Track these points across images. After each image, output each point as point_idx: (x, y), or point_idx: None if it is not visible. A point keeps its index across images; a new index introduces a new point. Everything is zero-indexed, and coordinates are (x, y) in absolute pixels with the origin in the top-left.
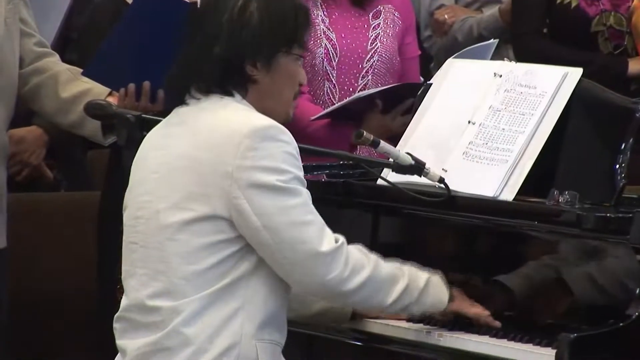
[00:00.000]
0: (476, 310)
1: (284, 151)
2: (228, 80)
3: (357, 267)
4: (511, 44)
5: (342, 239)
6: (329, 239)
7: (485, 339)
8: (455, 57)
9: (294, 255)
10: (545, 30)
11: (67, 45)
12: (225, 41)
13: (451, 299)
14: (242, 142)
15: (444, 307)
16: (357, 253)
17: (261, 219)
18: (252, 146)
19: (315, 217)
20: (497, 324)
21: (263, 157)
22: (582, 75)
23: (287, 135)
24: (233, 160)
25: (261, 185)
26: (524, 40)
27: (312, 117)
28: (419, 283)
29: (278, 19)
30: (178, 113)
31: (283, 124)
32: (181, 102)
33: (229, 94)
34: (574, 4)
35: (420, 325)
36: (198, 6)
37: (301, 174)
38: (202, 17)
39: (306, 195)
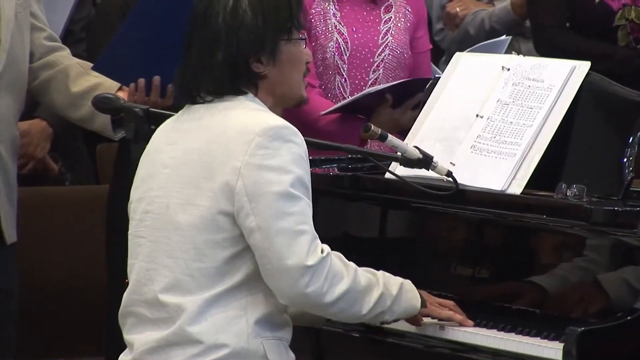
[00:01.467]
0: (447, 313)
1: (293, 152)
2: (237, 81)
3: (336, 280)
4: (532, 37)
5: (327, 249)
6: (316, 252)
7: (493, 332)
8: (468, 52)
9: (279, 263)
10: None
11: (68, 37)
12: (225, 45)
13: (423, 304)
14: (254, 140)
15: (417, 313)
16: (338, 264)
17: (257, 219)
18: (263, 144)
19: (309, 227)
20: (470, 323)
21: (272, 156)
22: (605, 68)
23: (299, 137)
24: (243, 157)
25: (266, 186)
26: (548, 33)
27: (322, 112)
28: (392, 291)
29: (271, 10)
30: (192, 109)
31: (299, 105)
32: (193, 103)
33: (241, 93)
34: None
35: (428, 317)
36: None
37: (308, 177)
38: (197, 23)
39: (306, 203)
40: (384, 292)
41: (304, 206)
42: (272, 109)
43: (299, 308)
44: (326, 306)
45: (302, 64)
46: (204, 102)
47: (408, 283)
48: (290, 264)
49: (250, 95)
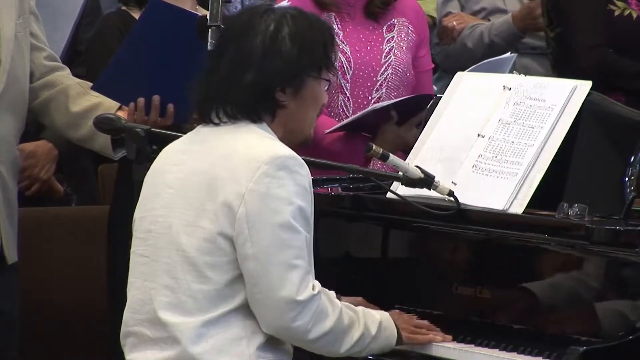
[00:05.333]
0: (424, 337)
1: (298, 184)
2: (257, 105)
3: (321, 318)
4: (574, 57)
5: (318, 287)
6: (307, 288)
7: (495, 352)
8: (472, 70)
9: (270, 293)
10: None
11: (74, 58)
12: (257, 67)
13: (399, 339)
14: (260, 168)
15: (392, 349)
16: (325, 302)
17: (254, 247)
18: (269, 173)
19: (303, 262)
20: (449, 337)
21: (277, 186)
22: None
23: (305, 169)
24: (248, 183)
25: (267, 215)
26: (593, 54)
27: (327, 130)
28: (371, 331)
29: (309, 45)
30: (200, 132)
31: (302, 145)
32: (207, 121)
33: (256, 119)
34: (635, 15)
35: None
36: (207, 20)
37: (310, 209)
38: (234, 37)
39: (304, 237)
40: (364, 332)
41: (302, 239)
42: (280, 140)
43: (281, 339)
44: (308, 342)
45: (320, 104)
46: (219, 122)
47: (386, 319)
48: (281, 296)
49: (264, 124)
